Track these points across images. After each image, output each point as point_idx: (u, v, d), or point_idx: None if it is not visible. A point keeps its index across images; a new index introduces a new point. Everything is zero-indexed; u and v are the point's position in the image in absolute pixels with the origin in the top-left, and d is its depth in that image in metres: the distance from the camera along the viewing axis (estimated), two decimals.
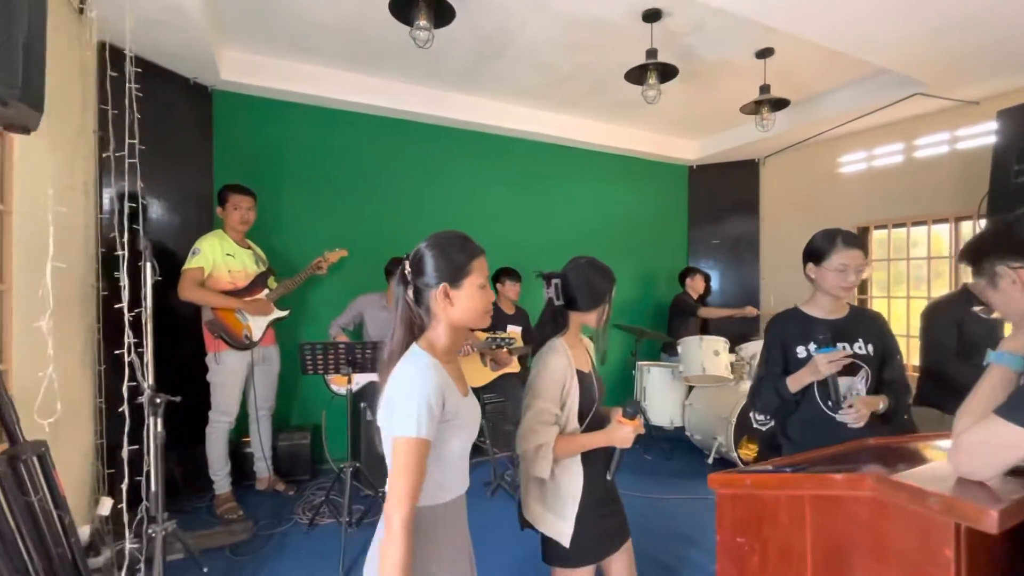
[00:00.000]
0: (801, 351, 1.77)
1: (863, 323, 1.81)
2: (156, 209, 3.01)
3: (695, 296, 4.64)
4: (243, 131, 3.51)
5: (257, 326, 2.97)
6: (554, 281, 1.59)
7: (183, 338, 3.02)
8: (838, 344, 1.74)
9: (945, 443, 1.37)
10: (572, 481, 1.49)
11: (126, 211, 2.22)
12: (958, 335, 2.67)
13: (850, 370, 1.73)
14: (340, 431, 3.55)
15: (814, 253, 1.76)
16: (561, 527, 1.48)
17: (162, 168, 3.01)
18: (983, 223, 3.24)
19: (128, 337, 1.83)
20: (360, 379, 3.12)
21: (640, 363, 4.18)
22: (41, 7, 0.98)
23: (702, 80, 3.62)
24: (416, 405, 1.03)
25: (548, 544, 1.53)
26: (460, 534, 1.22)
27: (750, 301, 5.03)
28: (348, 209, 3.83)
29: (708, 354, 3.76)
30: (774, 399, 1.78)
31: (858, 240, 1.74)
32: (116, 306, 1.80)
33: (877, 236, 4.25)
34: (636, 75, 2.83)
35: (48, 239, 1.67)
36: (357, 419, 3.28)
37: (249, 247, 3.06)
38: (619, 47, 3.11)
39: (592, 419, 1.55)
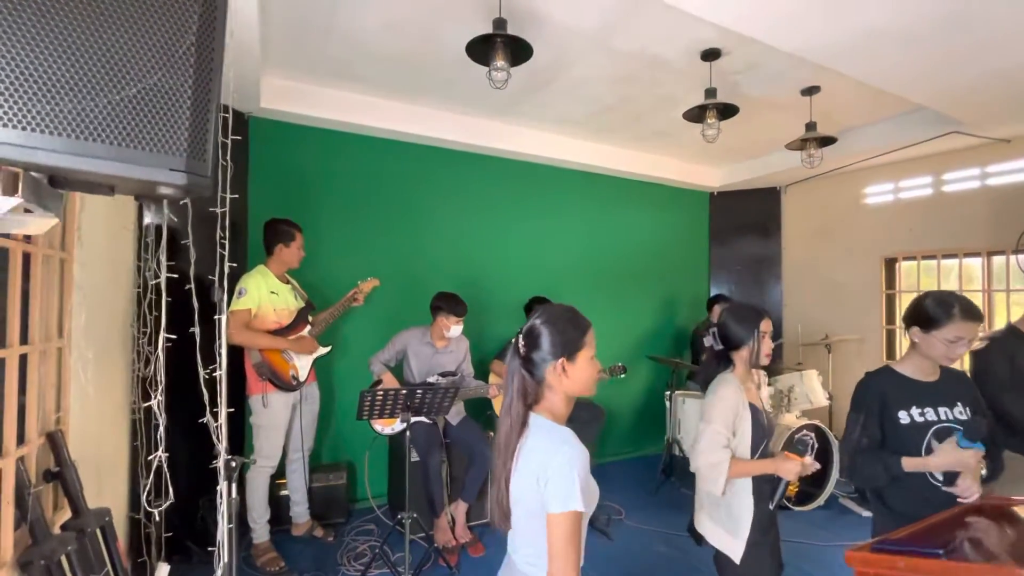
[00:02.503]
0: (904, 416, 1.71)
1: (957, 384, 1.78)
2: (194, 242, 2.89)
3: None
4: (279, 158, 3.41)
5: (303, 365, 2.85)
6: (711, 331, 1.83)
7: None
8: (940, 409, 1.71)
9: None
10: (743, 503, 1.66)
11: (218, 259, 2.11)
12: (1011, 370, 2.70)
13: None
14: (376, 471, 3.45)
15: (925, 319, 1.69)
16: (732, 544, 1.66)
17: (202, 199, 2.89)
18: (1021, 259, 3.30)
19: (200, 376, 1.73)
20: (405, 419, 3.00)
21: (676, 393, 4.14)
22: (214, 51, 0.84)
23: (745, 115, 3.62)
24: (575, 479, 1.08)
25: (720, 560, 1.71)
26: None
27: (774, 328, 5.04)
28: (381, 238, 3.74)
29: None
30: (882, 475, 1.70)
31: (977, 312, 1.66)
32: (204, 373, 1.69)
33: (905, 267, 4.30)
34: (695, 114, 2.82)
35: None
36: (402, 461, 3.17)
37: (288, 282, 2.96)
38: (667, 81, 3.11)
39: (762, 454, 1.71)
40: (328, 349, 3.01)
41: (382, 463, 3.51)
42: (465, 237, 4.07)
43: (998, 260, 3.72)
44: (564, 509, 1.06)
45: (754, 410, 1.72)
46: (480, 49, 2.18)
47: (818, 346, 4.26)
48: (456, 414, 3.15)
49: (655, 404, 4.71)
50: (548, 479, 1.09)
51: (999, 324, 2.83)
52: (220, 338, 1.70)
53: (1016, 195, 3.29)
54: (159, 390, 2.17)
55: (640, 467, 4.42)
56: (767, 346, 1.75)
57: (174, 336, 1.69)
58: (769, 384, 3.94)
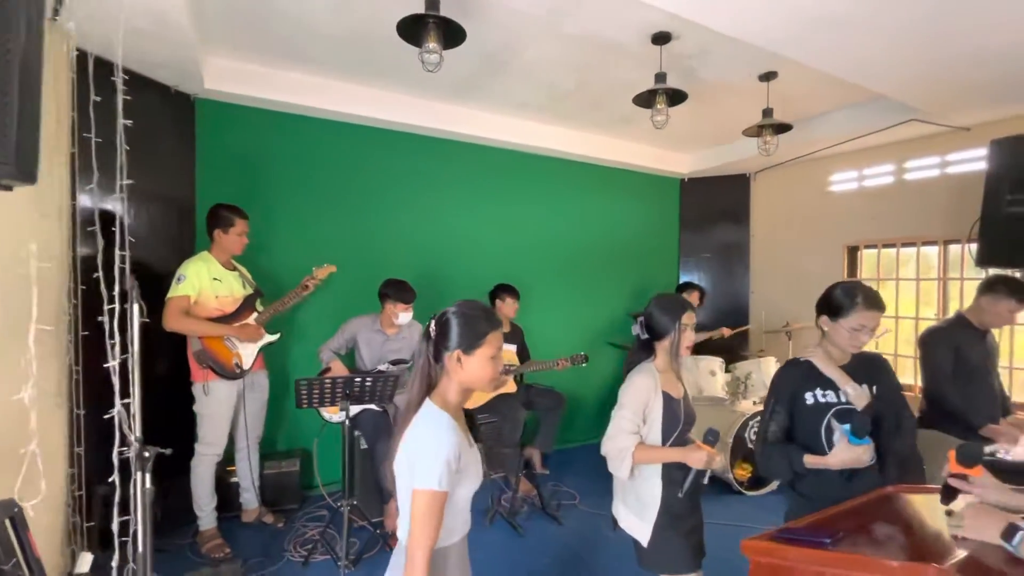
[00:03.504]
0: (809, 397, 1.73)
1: (864, 366, 1.79)
2: (134, 225, 2.83)
3: None
4: (228, 141, 3.32)
5: (247, 353, 2.82)
6: (639, 319, 1.83)
7: (164, 363, 2.86)
8: (839, 391, 1.72)
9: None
10: (651, 488, 1.71)
11: (116, 241, 2.05)
12: (955, 360, 2.73)
13: (854, 415, 1.71)
14: (331, 457, 3.44)
15: (831, 307, 1.72)
16: (640, 527, 1.71)
17: (140, 181, 2.83)
18: (973, 248, 3.31)
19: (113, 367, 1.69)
20: (353, 408, 2.99)
21: None
22: (36, 60, 0.85)
23: (704, 100, 3.59)
24: (438, 462, 1.15)
25: (637, 546, 1.76)
26: (465, 571, 1.36)
27: (740, 315, 5.07)
28: (338, 224, 3.68)
29: (704, 374, 3.76)
30: (786, 470, 1.73)
31: (879, 302, 1.69)
32: (105, 364, 1.65)
33: (867, 255, 4.31)
34: (645, 99, 2.77)
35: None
36: (351, 449, 3.16)
37: (235, 268, 2.91)
38: (623, 66, 3.05)
39: (675, 442, 1.73)
40: (276, 337, 2.97)
41: (339, 450, 3.50)
42: (427, 223, 4.02)
43: (954, 248, 3.74)
44: (423, 487, 1.15)
45: (668, 399, 1.74)
46: (412, 30, 2.11)
47: (780, 333, 4.28)
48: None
49: (617, 390, 4.73)
50: (417, 459, 1.18)
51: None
52: (132, 327, 1.66)
53: (973, 184, 3.27)
54: (74, 380, 2.14)
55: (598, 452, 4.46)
56: (687, 338, 1.76)
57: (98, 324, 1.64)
58: (727, 371, 3.97)
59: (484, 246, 4.27)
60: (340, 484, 3.40)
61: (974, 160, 3.48)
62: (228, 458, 3.03)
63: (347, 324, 3.11)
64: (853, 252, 4.34)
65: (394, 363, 3.11)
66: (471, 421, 1.42)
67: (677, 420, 1.74)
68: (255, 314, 2.89)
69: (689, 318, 1.76)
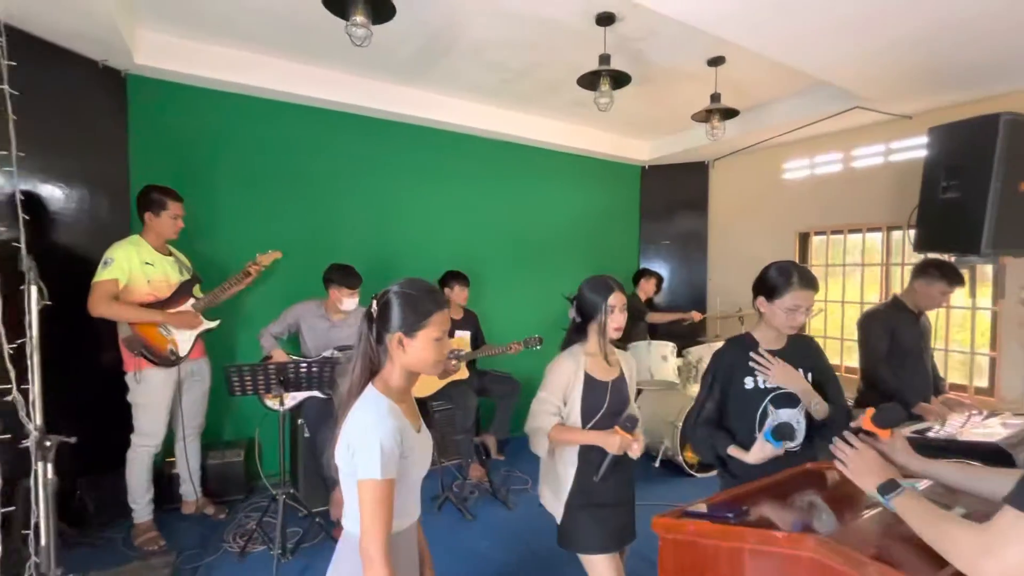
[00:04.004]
0: (748, 382, 1.74)
1: (801, 351, 1.81)
2: (61, 207, 2.70)
3: (645, 298, 4.67)
4: (164, 120, 3.18)
5: (184, 339, 2.72)
6: (574, 301, 1.81)
7: (98, 352, 2.75)
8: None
9: None
10: (567, 468, 1.72)
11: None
12: (890, 342, 2.81)
13: (791, 401, 1.73)
14: (276, 447, 3.36)
15: (767, 288, 1.72)
16: (554, 504, 1.75)
17: (66, 161, 2.70)
18: (912, 234, 3.40)
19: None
20: (297, 395, 2.93)
21: None
22: None
23: (655, 85, 3.59)
24: (379, 450, 1.11)
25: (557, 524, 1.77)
26: (413, 557, 1.33)
27: (698, 302, 5.14)
28: (285, 208, 3.58)
29: (656, 359, 3.80)
30: (709, 453, 1.77)
31: (813, 280, 1.69)
32: (9, 348, 1.56)
33: (817, 242, 4.40)
34: (589, 80, 2.75)
35: None
36: (294, 437, 3.11)
37: (171, 254, 2.80)
38: (572, 48, 3.02)
39: (598, 424, 1.71)
40: (216, 324, 2.88)
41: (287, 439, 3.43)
42: (379, 207, 3.94)
43: (896, 235, 3.84)
44: (365, 477, 1.10)
45: (590, 382, 1.73)
46: (338, 2, 2.04)
47: (733, 319, 4.35)
48: None
49: None
50: (355, 448, 1.13)
51: None
52: (30, 311, 1.57)
53: (914, 171, 3.34)
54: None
55: None
56: (616, 320, 1.73)
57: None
58: (680, 356, 4.02)
59: (439, 232, 4.21)
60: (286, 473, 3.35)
61: (915, 148, 3.56)
62: (170, 449, 2.95)
63: (290, 309, 3.04)
64: (804, 239, 4.43)
65: (340, 349, 3.05)
66: (423, 409, 1.38)
67: (600, 403, 1.72)
68: (192, 300, 2.79)
69: (616, 299, 1.73)
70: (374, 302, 1.25)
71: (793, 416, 1.77)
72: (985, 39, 2.56)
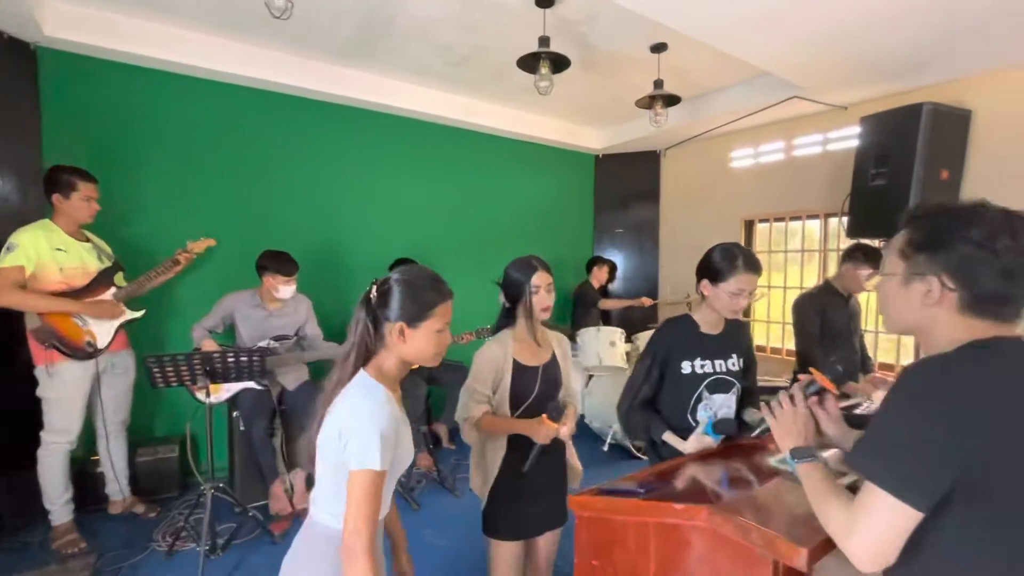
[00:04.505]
0: (686, 367, 1.73)
1: (735, 336, 1.82)
2: None
3: (598, 286, 4.71)
4: (81, 98, 2.97)
5: (102, 331, 2.56)
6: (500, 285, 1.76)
7: (8, 345, 2.57)
8: (716, 361, 1.76)
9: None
10: (496, 455, 1.68)
11: None
12: (822, 324, 2.92)
13: (723, 387, 1.75)
14: (215, 442, 3.24)
15: (711, 271, 1.69)
16: (481, 488, 1.71)
17: None
18: (845, 220, 3.52)
19: None
20: (231, 387, 2.82)
21: None
22: None
23: (602, 71, 3.59)
24: (377, 439, 1.07)
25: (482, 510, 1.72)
26: (380, 551, 1.29)
27: (651, 289, 5.22)
28: (219, 194, 3.41)
29: (604, 344, 3.84)
30: (643, 436, 1.76)
31: (757, 264, 1.66)
32: None
33: (761, 229, 4.52)
34: (528, 63, 2.71)
35: None
36: (230, 431, 3.00)
37: (88, 240, 2.63)
38: (516, 31, 2.97)
39: (528, 411, 1.67)
40: (140, 314, 2.73)
41: (220, 433, 3.30)
42: (323, 193, 3.82)
43: (833, 222, 3.99)
44: (361, 467, 1.07)
45: (519, 368, 1.67)
46: None
47: (681, 305, 4.44)
48: (295, 379, 3.00)
49: None
50: (350, 436, 1.08)
51: None
52: None
53: (849, 160, 3.47)
54: None
55: None
56: (541, 300, 1.68)
57: None
58: (628, 341, 4.07)
59: (388, 219, 4.12)
60: (224, 469, 3.23)
61: (850, 138, 3.68)
62: (93, 447, 2.79)
63: (223, 300, 2.91)
64: (750, 226, 4.55)
65: (278, 339, 2.95)
66: None
67: (529, 389, 1.67)
68: (114, 290, 2.63)
69: (540, 278, 1.68)
70: (373, 288, 1.20)
71: (727, 402, 1.80)
72: (910, 31, 2.65)
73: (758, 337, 4.59)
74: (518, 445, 1.65)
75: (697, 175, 4.93)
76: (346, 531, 1.06)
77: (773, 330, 4.44)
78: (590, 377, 4.12)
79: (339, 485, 1.12)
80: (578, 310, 4.64)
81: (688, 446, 1.62)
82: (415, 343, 1.18)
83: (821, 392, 1.16)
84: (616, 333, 3.90)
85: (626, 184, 5.36)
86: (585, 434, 4.19)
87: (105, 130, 3.05)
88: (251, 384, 2.81)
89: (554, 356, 1.79)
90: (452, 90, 4.03)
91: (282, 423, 2.99)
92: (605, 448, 3.82)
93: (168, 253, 2.84)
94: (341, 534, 1.12)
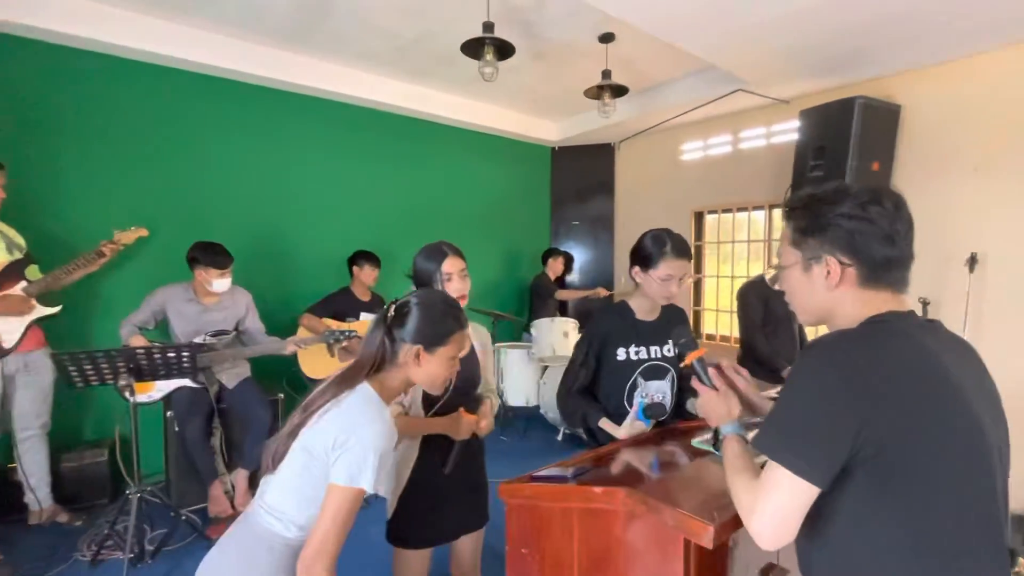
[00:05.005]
0: (621, 353, 1.72)
1: (671, 322, 1.81)
2: None
3: (554, 277, 4.73)
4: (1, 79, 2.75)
5: (9, 329, 2.38)
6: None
7: None
8: (651, 348, 1.76)
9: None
10: (407, 460, 1.54)
11: None
12: (764, 311, 3.01)
13: (658, 373, 1.76)
14: (148, 443, 3.07)
15: (641, 258, 1.67)
16: (391, 498, 1.55)
17: None
18: None
19: None
20: (164, 386, 2.67)
21: (498, 345, 4.17)
22: None
23: (552, 61, 3.58)
24: (375, 460, 1.04)
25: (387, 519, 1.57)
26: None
27: (606, 281, 5.27)
28: (151, 182, 3.22)
29: (558, 335, 3.85)
30: (579, 423, 1.75)
31: (686, 249, 1.66)
32: None
33: (710, 220, 4.63)
34: (473, 49, 2.66)
35: None
36: (163, 432, 2.85)
37: None
38: (461, 17, 2.91)
39: (444, 408, 1.54)
40: (55, 310, 2.55)
41: (156, 435, 3.13)
42: (268, 182, 3.67)
43: (777, 212, 4.11)
44: (350, 484, 1.03)
45: None
46: None
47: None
48: (235, 376, 2.87)
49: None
50: (345, 449, 1.04)
51: None
52: None
53: (791, 152, 3.58)
54: None
55: None
56: (454, 288, 1.57)
57: None
58: (581, 331, 4.10)
59: (339, 209, 4.00)
60: (160, 472, 3.07)
61: (791, 131, 3.79)
62: (10, 453, 2.60)
63: (153, 295, 2.75)
64: (699, 217, 4.65)
65: (215, 335, 2.81)
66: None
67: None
68: (24, 283, 2.45)
69: (452, 264, 1.58)
70: (392, 307, 1.21)
71: (662, 388, 1.81)
72: (844, 27, 2.74)
73: (707, 325, 4.71)
74: (433, 446, 1.53)
75: (650, 168, 5.00)
76: (310, 547, 1.01)
77: (722, 319, 4.56)
78: (545, 368, 4.13)
79: (308, 496, 1.07)
80: (534, 301, 4.64)
81: (621, 432, 1.62)
82: (429, 368, 1.18)
83: (705, 366, 1.15)
84: (569, 323, 3.92)
85: (582, 176, 5.39)
86: (540, 424, 4.20)
87: (19, 111, 2.83)
88: (186, 382, 2.68)
89: (472, 349, 1.67)
90: (401, 77, 3.94)
91: (221, 422, 2.86)
92: (559, 438, 3.84)
93: (91, 244, 2.66)
94: (291, 546, 1.08)
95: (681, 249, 1.65)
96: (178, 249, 3.09)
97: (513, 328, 4.87)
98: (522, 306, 5.09)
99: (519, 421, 4.16)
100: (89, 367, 2.11)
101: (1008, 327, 2.92)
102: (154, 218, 3.12)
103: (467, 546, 1.65)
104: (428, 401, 1.54)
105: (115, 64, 3.06)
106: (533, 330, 4.02)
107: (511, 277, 5.19)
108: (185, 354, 2.25)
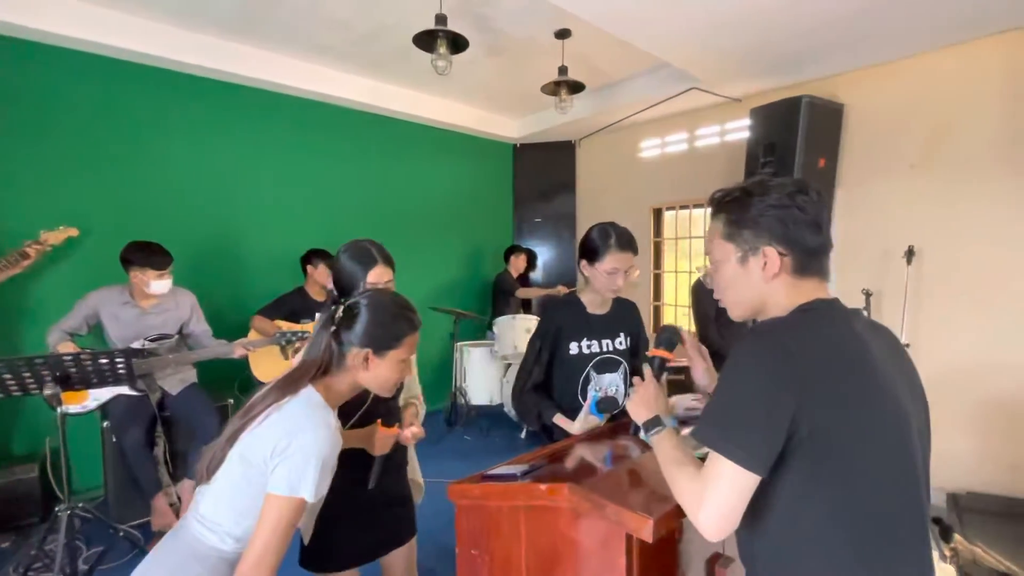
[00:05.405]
0: (573, 347, 1.72)
1: (623, 316, 1.83)
2: None
3: (516, 275, 4.71)
4: None
5: None
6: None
7: None
8: (603, 341, 1.76)
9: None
10: None
11: None
12: (717, 305, 3.07)
13: (611, 367, 1.76)
14: (83, 456, 2.89)
15: (588, 251, 1.68)
16: (307, 524, 1.40)
17: None
18: None
19: None
20: (100, 394, 2.51)
21: (460, 344, 4.13)
22: None
23: (509, 57, 3.55)
24: (316, 467, 0.99)
25: (301, 543, 1.42)
26: None
27: (570, 279, 5.30)
28: (87, 179, 3.03)
29: (520, 332, 3.84)
30: (534, 421, 1.73)
31: (631, 242, 1.66)
32: None
33: (668, 216, 4.71)
34: (425, 42, 2.61)
35: None
36: (101, 443, 2.68)
37: None
38: (415, 10, 2.85)
39: (363, 420, 1.42)
40: None
41: (91, 447, 2.95)
42: (215, 179, 3.50)
43: None
44: (290, 493, 0.98)
45: None
46: None
47: None
48: (179, 382, 2.73)
49: (452, 358, 4.70)
50: (285, 456, 0.99)
51: None
52: None
53: (743, 150, 3.68)
54: None
55: (430, 420, 4.38)
56: None
57: None
58: None
59: (292, 207, 3.87)
60: (100, 486, 2.90)
61: (743, 129, 3.89)
62: None
63: (86, 298, 2.58)
64: (658, 214, 4.72)
65: (156, 339, 2.67)
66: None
67: (363, 396, 1.38)
68: None
69: (380, 275, 1.43)
70: (340, 308, 1.15)
71: (615, 381, 1.81)
72: (791, 27, 2.82)
73: (666, 320, 4.79)
74: (351, 463, 1.37)
75: (610, 165, 5.04)
76: (247, 561, 0.96)
77: (680, 313, 4.65)
78: (508, 366, 4.11)
79: (246, 506, 1.01)
80: (497, 299, 4.62)
81: (575, 427, 1.61)
82: (378, 371, 1.14)
83: (663, 365, 1.19)
84: (531, 321, 3.91)
85: (544, 174, 5.40)
86: (504, 423, 4.18)
87: None
88: (124, 390, 2.53)
89: None
90: (356, 71, 3.84)
91: (165, 431, 2.71)
92: (523, 436, 3.83)
93: (13, 244, 2.48)
94: (227, 559, 1.02)
95: (625, 242, 1.66)
96: (115, 250, 2.91)
97: (476, 327, 4.83)
98: (485, 304, 5.05)
99: (482, 420, 4.13)
100: (8, 376, 1.95)
101: (942, 317, 3.08)
102: (88, 217, 2.94)
103: (398, 561, 1.54)
104: (344, 413, 1.36)
105: (42, 52, 2.86)
106: (495, 328, 4.00)
107: (474, 275, 5.15)
108: (119, 360, 2.11)
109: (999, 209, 2.87)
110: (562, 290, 4.73)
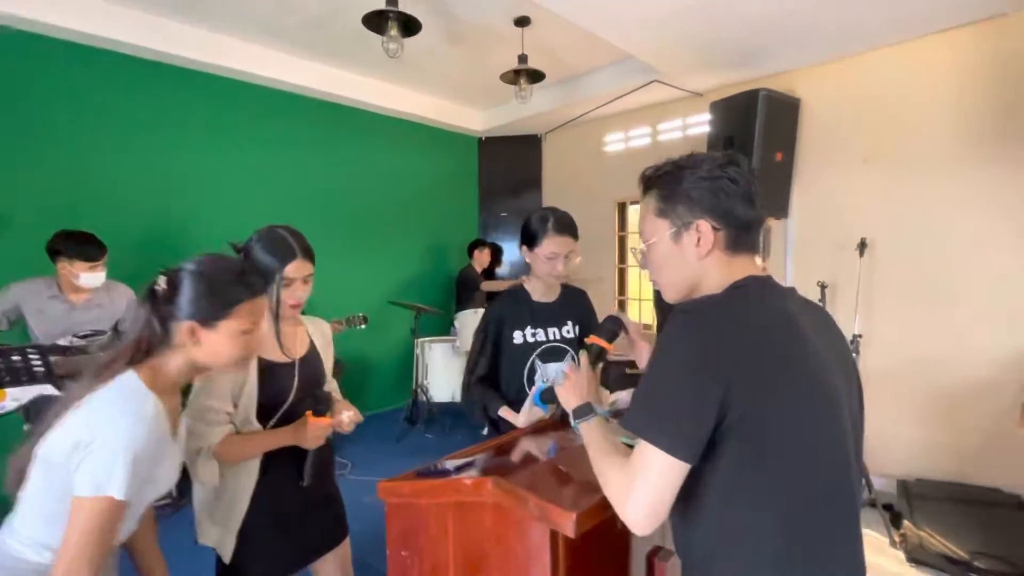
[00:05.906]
0: (517, 336, 1.68)
1: (570, 304, 1.80)
2: None
3: (481, 269, 4.64)
4: None
5: None
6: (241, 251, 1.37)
7: None
8: (549, 329, 1.73)
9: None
10: (242, 488, 1.29)
11: None
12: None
13: (556, 355, 1.71)
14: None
15: (528, 236, 1.65)
16: (224, 540, 1.28)
17: None
18: None
19: None
20: (20, 394, 2.33)
21: (421, 339, 4.03)
22: None
23: (469, 44, 3.47)
24: (125, 462, 0.88)
25: (218, 562, 1.30)
26: None
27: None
28: (5, 165, 2.82)
29: None
30: (480, 417, 1.69)
31: (570, 226, 1.63)
32: None
33: (632, 211, 4.72)
34: (375, 23, 2.51)
35: None
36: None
37: None
38: None
39: (286, 418, 1.34)
40: None
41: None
42: (157, 167, 3.32)
43: None
44: (96, 493, 0.87)
45: (269, 368, 1.31)
46: None
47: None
48: None
49: (412, 353, 4.59)
50: (89, 451, 0.88)
51: None
52: None
53: (704, 145, 3.69)
54: None
55: (392, 419, 4.29)
56: (293, 295, 1.32)
57: None
58: None
59: (244, 198, 3.70)
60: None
61: (704, 123, 3.91)
62: None
63: (7, 291, 2.38)
64: (622, 208, 4.72)
65: (87, 336, 2.49)
66: None
67: (285, 391, 1.35)
68: None
69: (299, 269, 1.30)
70: (161, 279, 1.01)
71: (560, 369, 1.77)
72: (749, 21, 2.82)
73: (631, 314, 4.79)
74: (280, 461, 1.32)
75: (575, 159, 5.02)
76: (56, 570, 0.86)
77: (645, 307, 4.66)
78: None
79: (53, 511, 0.91)
80: (461, 294, 4.54)
81: (520, 420, 1.56)
82: (212, 346, 1.00)
83: (601, 354, 1.15)
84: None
85: (510, 168, 5.33)
86: (467, 420, 4.09)
87: None
88: (48, 389, 2.35)
89: (313, 346, 1.46)
90: (309, 56, 3.70)
91: None
92: (484, 432, 3.75)
93: None
94: (43, 573, 0.91)
95: (564, 226, 1.63)
96: (42, 241, 2.73)
97: (439, 322, 4.74)
98: (450, 299, 4.96)
99: (444, 417, 4.04)
100: None
101: (893, 308, 3.14)
102: (8, 206, 2.74)
103: (332, 565, 1.46)
104: (266, 411, 1.31)
105: None
106: (456, 322, 3.92)
107: (437, 270, 5.05)
108: (34, 356, 1.95)
109: (948, 203, 2.95)
110: (524, 281, 4.69)
